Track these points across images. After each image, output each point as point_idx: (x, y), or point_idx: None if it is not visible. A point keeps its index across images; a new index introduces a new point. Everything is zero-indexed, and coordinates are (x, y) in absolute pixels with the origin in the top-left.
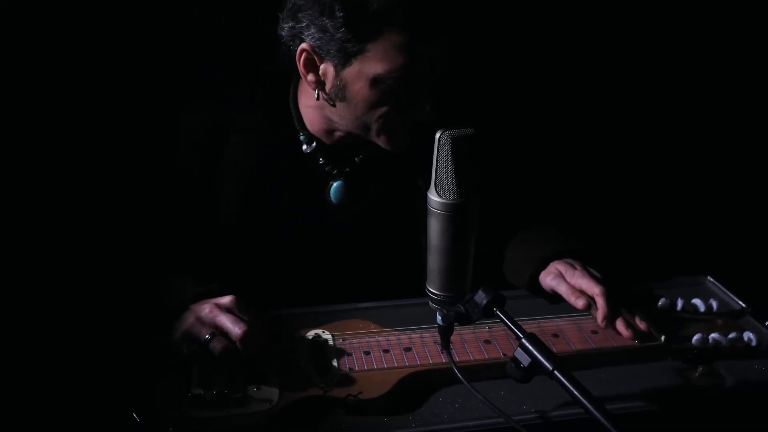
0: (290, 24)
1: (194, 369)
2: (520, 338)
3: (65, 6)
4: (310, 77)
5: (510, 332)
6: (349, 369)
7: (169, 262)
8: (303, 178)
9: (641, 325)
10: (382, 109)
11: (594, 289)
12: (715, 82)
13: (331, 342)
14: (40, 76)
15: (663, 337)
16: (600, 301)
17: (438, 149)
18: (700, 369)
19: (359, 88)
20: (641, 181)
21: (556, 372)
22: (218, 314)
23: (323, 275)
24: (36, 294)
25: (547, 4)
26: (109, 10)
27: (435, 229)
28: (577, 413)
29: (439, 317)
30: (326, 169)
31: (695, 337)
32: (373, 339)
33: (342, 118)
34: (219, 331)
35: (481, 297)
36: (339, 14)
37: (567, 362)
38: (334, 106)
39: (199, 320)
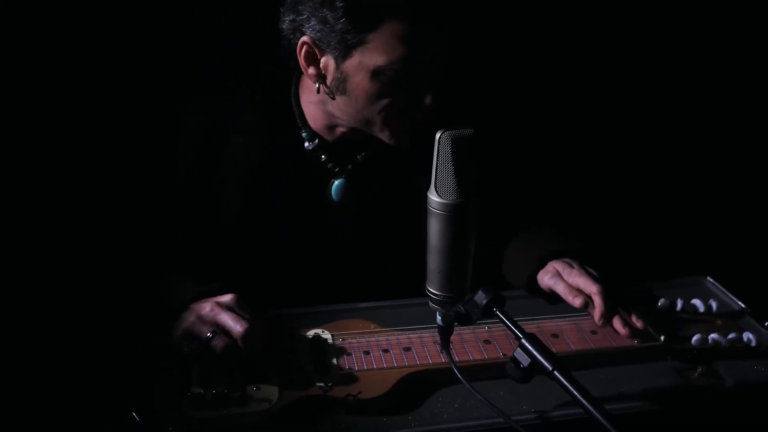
0: (291, 17)
1: (194, 368)
2: (520, 338)
3: (65, 6)
4: (311, 71)
5: (510, 332)
6: (349, 369)
7: (170, 262)
8: (304, 177)
9: (638, 323)
10: (383, 102)
11: (591, 288)
12: (715, 82)
13: (330, 342)
14: (41, 76)
15: (662, 338)
16: (597, 300)
17: (438, 149)
18: (699, 369)
19: (360, 81)
20: (641, 181)
21: (555, 372)
22: (219, 312)
23: (324, 274)
24: (36, 294)
25: (547, 4)
26: (109, 10)
27: (435, 229)
28: (576, 413)
29: (438, 317)
30: (328, 166)
31: (695, 338)
32: (372, 339)
33: (343, 112)
34: (220, 329)
35: (480, 297)
36: (339, 4)
37: (566, 362)
38: (334, 99)
39: (200, 319)
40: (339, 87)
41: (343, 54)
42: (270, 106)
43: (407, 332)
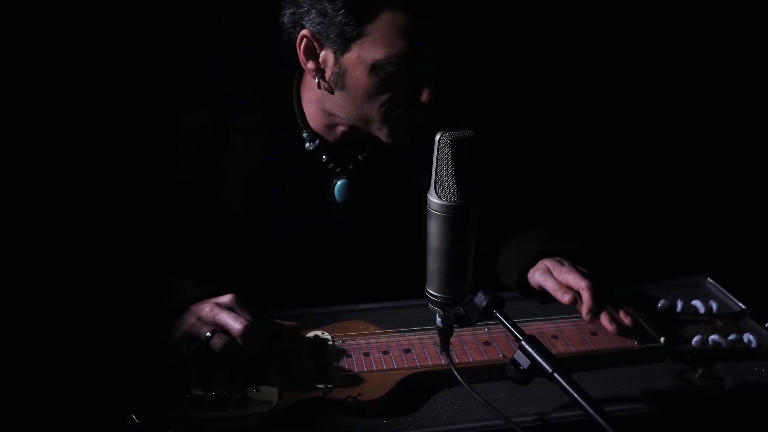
0: (291, 10)
1: (193, 370)
2: (520, 340)
3: (65, 6)
4: (310, 65)
5: (509, 334)
6: (349, 370)
7: (170, 262)
8: (305, 177)
9: (626, 319)
10: (382, 98)
11: (580, 284)
12: (715, 82)
13: (330, 343)
14: (41, 77)
15: (662, 339)
16: (585, 295)
17: (438, 151)
18: (699, 370)
19: (359, 75)
20: (641, 182)
21: (555, 374)
22: (218, 312)
23: (325, 274)
24: (36, 294)
25: (546, 4)
26: (109, 10)
27: (435, 230)
28: (576, 415)
29: (438, 319)
30: (329, 167)
31: (695, 339)
32: (372, 340)
33: (342, 108)
34: (220, 329)
35: (480, 299)
36: None
37: (566, 364)
38: (333, 94)
39: (200, 319)
40: (338, 82)
41: (342, 48)
42: (270, 106)
43: (407, 334)
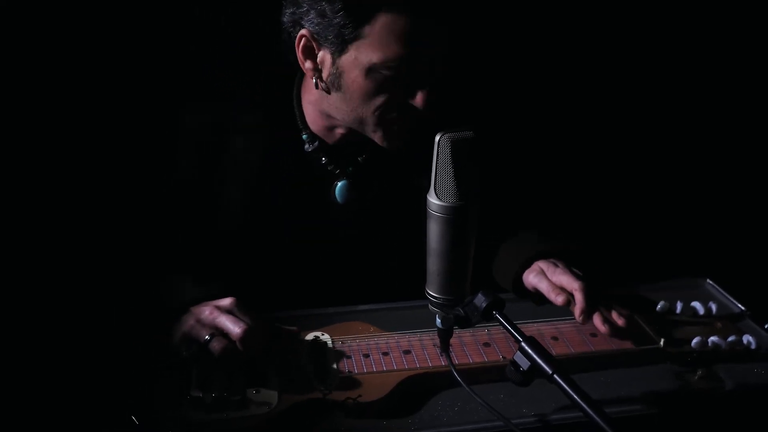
0: (291, 9)
1: (193, 371)
2: (520, 341)
3: (65, 6)
4: (308, 64)
5: (509, 335)
6: (348, 372)
7: (170, 262)
8: (305, 177)
9: (619, 320)
10: (378, 101)
11: (573, 285)
12: (715, 82)
13: (330, 344)
14: (41, 77)
15: (662, 340)
16: (578, 296)
17: (438, 152)
18: (699, 372)
19: (355, 77)
20: (640, 183)
21: (555, 375)
22: (218, 315)
23: (325, 275)
24: (36, 294)
25: (545, 4)
26: (109, 10)
27: (434, 231)
28: (576, 416)
29: (438, 320)
30: (328, 168)
31: (694, 340)
32: (372, 342)
33: (338, 110)
34: (219, 332)
35: (480, 300)
36: None
37: (566, 365)
38: (330, 94)
39: (199, 322)
40: (334, 83)
41: (339, 49)
42: (270, 107)
43: (407, 335)
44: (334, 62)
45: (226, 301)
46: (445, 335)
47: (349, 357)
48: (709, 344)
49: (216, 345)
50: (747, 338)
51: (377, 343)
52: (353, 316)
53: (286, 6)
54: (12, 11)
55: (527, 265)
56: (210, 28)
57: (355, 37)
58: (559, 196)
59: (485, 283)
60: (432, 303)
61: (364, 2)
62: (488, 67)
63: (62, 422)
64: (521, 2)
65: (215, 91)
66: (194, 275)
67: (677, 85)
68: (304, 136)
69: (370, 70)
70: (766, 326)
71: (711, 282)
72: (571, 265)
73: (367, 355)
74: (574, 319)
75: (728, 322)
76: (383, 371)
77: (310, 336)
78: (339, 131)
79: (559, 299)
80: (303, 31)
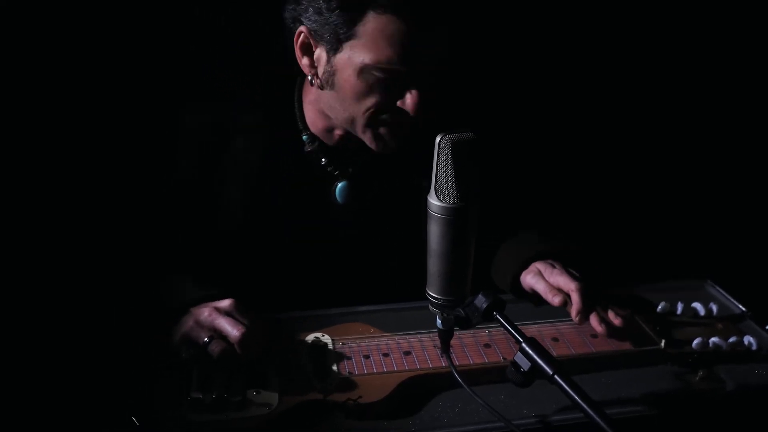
0: (292, 6)
1: (193, 372)
2: (521, 342)
3: (65, 6)
4: (305, 61)
5: (510, 336)
6: (349, 373)
7: (170, 262)
8: (305, 178)
9: (615, 321)
10: (368, 102)
11: (570, 285)
12: (716, 83)
13: (330, 346)
14: (41, 77)
15: (663, 341)
16: (575, 297)
17: (438, 153)
18: (700, 373)
19: (347, 77)
20: (640, 184)
21: (556, 376)
22: (217, 317)
23: (325, 275)
24: (36, 294)
25: (543, 4)
26: (109, 10)
27: (435, 233)
28: (577, 417)
29: (439, 321)
30: (328, 170)
31: (695, 341)
32: (372, 343)
33: (332, 108)
34: (217, 334)
35: (481, 301)
36: None
37: (567, 366)
38: (323, 90)
39: (198, 323)
40: (328, 81)
41: (334, 47)
42: (270, 107)
43: (407, 336)
44: (329, 60)
45: (226, 303)
46: (445, 336)
47: (349, 358)
48: (710, 345)
49: (215, 348)
50: (748, 339)
51: (377, 344)
52: (353, 317)
53: (287, 2)
54: (12, 11)
55: (525, 265)
56: (210, 28)
57: (349, 37)
58: (559, 196)
59: (485, 283)
60: (432, 304)
61: (358, 2)
62: (488, 68)
63: (63, 422)
64: (519, 4)
65: (215, 91)
66: (194, 275)
67: (678, 85)
68: (304, 137)
69: (362, 71)
70: (766, 327)
71: (712, 283)
72: (569, 266)
73: (367, 356)
74: None
75: (729, 323)
76: (383, 372)
77: (310, 337)
78: (338, 132)
79: (555, 300)
80: (302, 28)
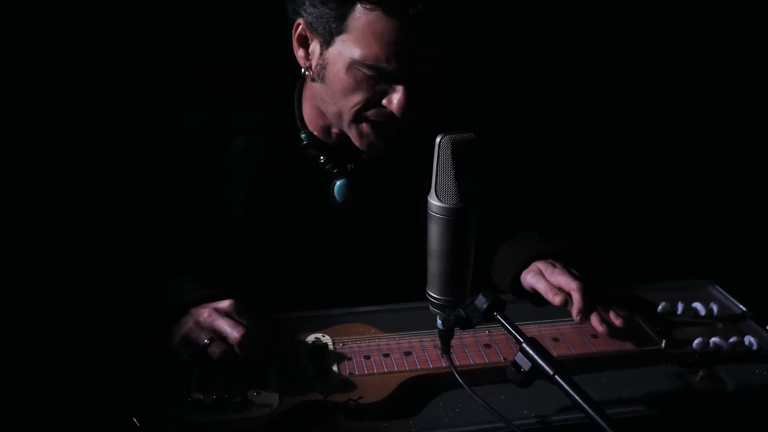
0: None
1: (194, 373)
2: (521, 342)
3: (65, 6)
4: (300, 52)
5: (510, 336)
6: (349, 373)
7: (170, 262)
8: (305, 177)
9: (616, 321)
10: (355, 98)
11: (571, 285)
12: (716, 84)
13: (330, 346)
14: (41, 76)
15: (663, 341)
16: (576, 296)
17: (438, 153)
18: (700, 373)
19: (337, 71)
20: (642, 184)
21: (556, 376)
22: (216, 318)
23: (325, 275)
24: (36, 294)
25: (542, 5)
26: (109, 10)
27: (435, 233)
28: (577, 418)
29: (439, 321)
30: (326, 167)
31: (696, 341)
32: (373, 343)
33: (323, 102)
34: (217, 336)
35: (481, 301)
36: None
37: (567, 366)
38: (314, 82)
39: (198, 325)
40: (320, 74)
41: (327, 41)
42: (271, 106)
43: (408, 336)
44: (321, 53)
45: (225, 303)
46: (445, 336)
47: (349, 358)
48: (711, 345)
49: (215, 349)
50: (748, 339)
51: (378, 345)
52: (354, 317)
53: None
54: (12, 11)
55: (525, 265)
56: (210, 28)
57: (340, 31)
58: (561, 197)
59: (486, 284)
60: (433, 304)
61: None
62: (488, 68)
63: (63, 423)
64: (517, 4)
65: (215, 91)
66: (194, 275)
67: (679, 86)
68: (303, 135)
69: (350, 66)
70: (767, 327)
71: (712, 283)
72: (569, 266)
73: (367, 357)
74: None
75: (729, 323)
76: (384, 373)
77: (310, 338)
78: (335, 130)
79: (556, 299)
80: (300, 20)
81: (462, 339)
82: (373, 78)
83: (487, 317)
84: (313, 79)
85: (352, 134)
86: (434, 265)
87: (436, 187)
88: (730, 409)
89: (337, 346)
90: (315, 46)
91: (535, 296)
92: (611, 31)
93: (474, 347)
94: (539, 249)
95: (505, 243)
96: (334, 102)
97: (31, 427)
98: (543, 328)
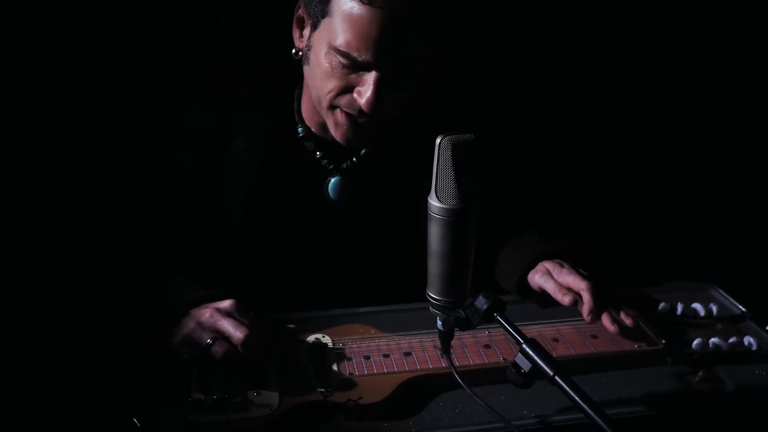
0: None
1: (194, 373)
2: (521, 343)
3: (65, 6)
4: (296, 34)
5: (510, 337)
6: (349, 374)
7: (170, 262)
8: (305, 176)
9: (627, 320)
10: (330, 84)
11: (580, 284)
12: (717, 84)
13: (330, 346)
14: (41, 76)
15: (663, 342)
16: (586, 296)
17: (438, 154)
18: (700, 373)
19: (317, 54)
20: (642, 185)
21: (556, 377)
22: (219, 318)
23: (324, 275)
24: (36, 294)
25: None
26: (109, 10)
27: (435, 234)
28: (577, 418)
29: (439, 322)
30: (323, 163)
31: (695, 342)
32: (373, 343)
33: (308, 86)
34: (220, 336)
35: (481, 302)
36: None
37: (567, 367)
38: (304, 65)
39: (200, 325)
40: (306, 56)
41: (315, 24)
42: (271, 107)
43: (407, 337)
44: (310, 35)
45: (226, 303)
46: (445, 337)
47: (349, 359)
48: (710, 346)
49: (218, 349)
50: (748, 339)
51: (378, 345)
52: (354, 318)
53: None
54: (12, 11)
55: (532, 265)
56: (210, 28)
57: (325, 14)
58: (562, 197)
59: (486, 284)
60: (433, 305)
61: None
62: (488, 68)
63: (63, 423)
64: (518, 4)
65: (215, 91)
66: (194, 275)
67: (680, 86)
68: (300, 129)
69: (328, 51)
70: (766, 328)
71: (712, 284)
72: (577, 266)
73: (367, 357)
74: (575, 320)
75: (729, 323)
76: (384, 373)
77: (310, 338)
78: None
79: (566, 299)
80: (300, 3)
81: (462, 339)
82: (347, 66)
83: (488, 318)
84: (302, 62)
85: (329, 123)
86: (434, 265)
87: (436, 188)
88: (730, 410)
89: (337, 347)
90: (307, 29)
91: (542, 296)
92: (611, 32)
93: (474, 348)
94: (542, 248)
95: (509, 243)
96: (314, 86)
97: (31, 427)
98: (543, 328)
